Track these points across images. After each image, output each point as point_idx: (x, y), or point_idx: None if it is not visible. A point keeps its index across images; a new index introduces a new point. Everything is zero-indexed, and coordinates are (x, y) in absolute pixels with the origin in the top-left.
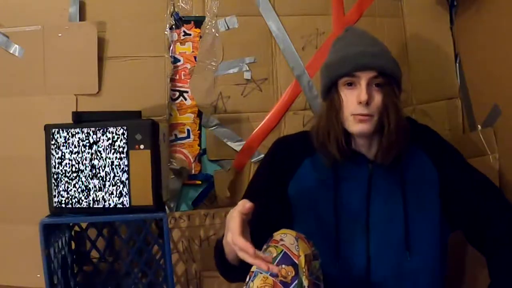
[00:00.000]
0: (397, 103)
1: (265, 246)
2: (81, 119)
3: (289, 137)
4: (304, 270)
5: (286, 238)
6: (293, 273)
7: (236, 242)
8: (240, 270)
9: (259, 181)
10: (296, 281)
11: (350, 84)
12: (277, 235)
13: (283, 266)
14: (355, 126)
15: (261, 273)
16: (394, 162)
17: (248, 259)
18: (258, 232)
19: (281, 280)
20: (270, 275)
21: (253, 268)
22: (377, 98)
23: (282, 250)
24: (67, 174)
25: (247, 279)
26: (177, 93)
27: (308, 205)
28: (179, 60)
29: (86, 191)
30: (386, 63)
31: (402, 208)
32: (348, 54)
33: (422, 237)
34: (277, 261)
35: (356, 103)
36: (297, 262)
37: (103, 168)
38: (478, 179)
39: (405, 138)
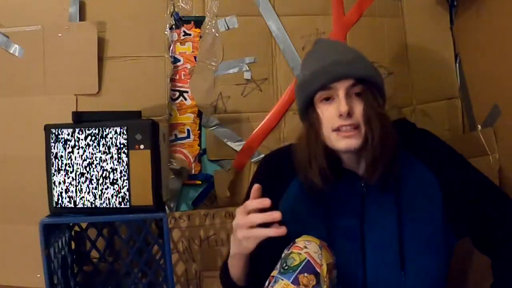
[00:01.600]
0: (380, 112)
1: (286, 251)
2: (81, 119)
3: (275, 156)
4: (325, 279)
5: (310, 245)
6: (314, 282)
7: (250, 204)
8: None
9: None
10: None
11: (327, 99)
12: (300, 242)
13: (305, 274)
14: (340, 142)
15: (282, 279)
16: (388, 177)
17: (260, 218)
18: (258, 257)
19: None
20: (291, 282)
21: (274, 273)
22: (359, 108)
23: (306, 258)
24: (67, 174)
25: (266, 284)
26: (177, 93)
27: (299, 228)
28: (179, 60)
29: (86, 191)
30: (363, 69)
31: (397, 227)
32: (320, 67)
33: (419, 256)
34: (299, 269)
35: (336, 117)
36: (319, 271)
37: (102, 168)
38: (480, 180)
39: (393, 151)
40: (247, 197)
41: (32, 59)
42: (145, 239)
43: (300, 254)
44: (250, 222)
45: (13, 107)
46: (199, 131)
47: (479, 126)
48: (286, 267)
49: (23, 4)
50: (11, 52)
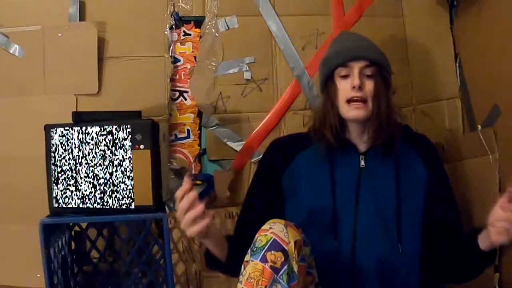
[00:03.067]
0: (387, 91)
1: (256, 236)
2: (81, 119)
3: (284, 137)
4: (294, 255)
5: (275, 226)
6: (283, 258)
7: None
8: (230, 263)
9: (255, 183)
10: (286, 266)
11: (345, 77)
12: (266, 225)
13: (273, 252)
14: (350, 112)
15: (252, 261)
16: (386, 157)
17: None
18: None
19: (271, 265)
20: (259, 261)
21: (246, 258)
22: (369, 84)
23: (272, 237)
24: (67, 174)
25: (242, 269)
26: (177, 93)
27: (302, 195)
28: (179, 60)
29: (86, 191)
30: (375, 54)
31: (392, 202)
32: (341, 48)
33: (409, 231)
34: (266, 247)
35: (349, 89)
36: (286, 248)
37: (103, 168)
38: (449, 195)
39: (395, 126)
40: (257, 176)
41: (32, 59)
42: (145, 239)
43: (266, 235)
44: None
45: (13, 107)
46: (199, 131)
47: (479, 126)
48: (255, 249)
49: (23, 4)
50: (11, 52)
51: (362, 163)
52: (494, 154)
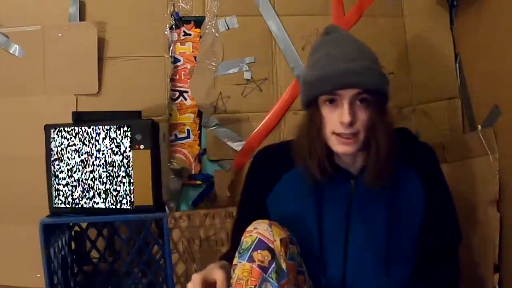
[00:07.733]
0: (385, 120)
1: (242, 238)
2: (81, 119)
3: (268, 151)
4: (281, 253)
5: (259, 226)
6: (270, 257)
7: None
8: None
9: (243, 201)
10: (274, 264)
11: (331, 101)
12: (250, 226)
13: (259, 251)
14: (338, 147)
15: (239, 262)
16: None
17: None
18: None
19: (258, 264)
20: (247, 261)
21: (235, 261)
22: (362, 115)
23: (256, 237)
24: (67, 174)
25: (231, 273)
26: (177, 93)
27: (287, 221)
28: (179, 60)
29: (86, 191)
30: (370, 80)
31: (384, 229)
32: (326, 73)
33: (401, 260)
34: (252, 247)
35: (338, 123)
36: (272, 246)
37: (103, 168)
38: (448, 217)
39: (395, 157)
40: (243, 193)
41: (32, 59)
42: (145, 239)
43: (251, 235)
44: None
45: (13, 107)
46: (199, 131)
47: (479, 126)
48: (241, 251)
49: (23, 4)
50: (11, 52)
51: (353, 187)
52: (494, 154)
